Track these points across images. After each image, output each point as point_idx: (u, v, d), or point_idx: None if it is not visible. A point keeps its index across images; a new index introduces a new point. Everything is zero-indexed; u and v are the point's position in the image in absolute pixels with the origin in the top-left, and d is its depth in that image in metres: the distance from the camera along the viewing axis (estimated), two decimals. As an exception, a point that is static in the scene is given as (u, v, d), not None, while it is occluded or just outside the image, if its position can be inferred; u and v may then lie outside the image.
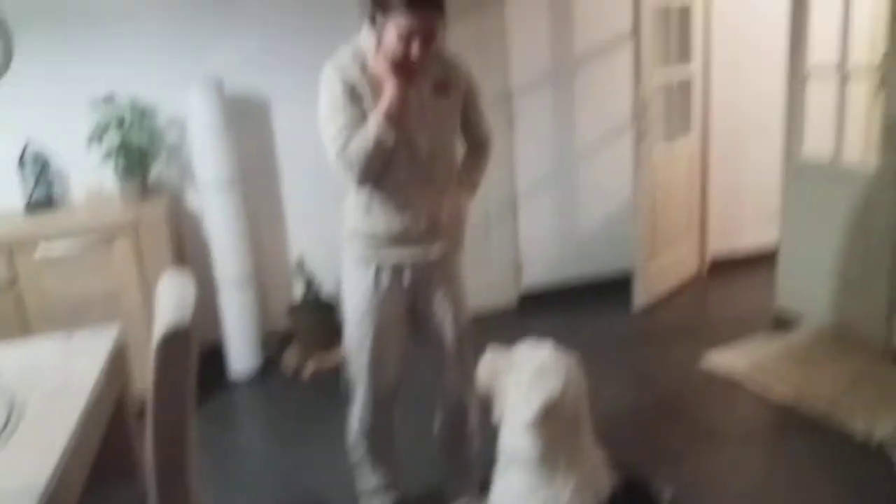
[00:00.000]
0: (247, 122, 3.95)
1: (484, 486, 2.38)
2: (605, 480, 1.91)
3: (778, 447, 2.96)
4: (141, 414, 2.33)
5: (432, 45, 2.10)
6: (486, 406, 2.07)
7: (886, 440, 2.58)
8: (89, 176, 3.72)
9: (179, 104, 3.74)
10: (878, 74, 3.61)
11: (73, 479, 1.64)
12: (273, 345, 4.07)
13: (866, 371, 3.37)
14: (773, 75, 4.21)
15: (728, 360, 3.60)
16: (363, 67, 2.16)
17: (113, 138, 3.60)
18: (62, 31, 3.67)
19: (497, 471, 2.01)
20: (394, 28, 2.04)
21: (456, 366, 2.44)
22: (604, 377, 3.55)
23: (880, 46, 3.64)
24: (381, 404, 2.41)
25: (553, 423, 1.85)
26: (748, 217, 4.94)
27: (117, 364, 2.17)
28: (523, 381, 1.89)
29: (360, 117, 2.14)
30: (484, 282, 4.47)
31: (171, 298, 1.84)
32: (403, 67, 2.06)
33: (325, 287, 3.94)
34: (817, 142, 3.87)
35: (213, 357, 3.78)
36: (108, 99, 3.63)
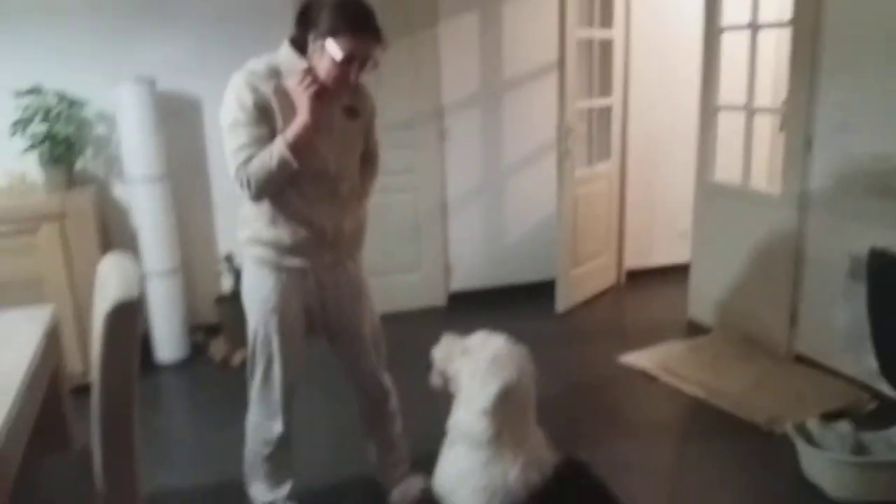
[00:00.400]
0: (179, 119, 3.97)
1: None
2: (548, 458, 2.03)
3: (689, 435, 3.16)
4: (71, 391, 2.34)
5: (366, 70, 2.15)
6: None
7: (790, 428, 2.80)
8: (10, 164, 3.63)
9: (109, 99, 3.72)
10: (780, 115, 3.94)
11: (11, 451, 1.63)
12: (200, 336, 4.08)
13: (770, 371, 3.63)
14: (686, 110, 4.58)
15: (643, 359, 3.82)
16: (276, 85, 2.14)
17: (38, 127, 3.54)
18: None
19: (445, 445, 2.10)
20: (335, 51, 2.06)
21: (374, 354, 2.54)
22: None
23: (783, 89, 3.97)
24: (292, 392, 2.44)
25: (505, 408, 1.96)
26: (661, 235, 5.26)
27: (51, 342, 2.16)
28: (480, 368, 1.99)
29: (267, 136, 2.13)
30: (415, 282, 4.64)
31: (117, 276, 1.85)
32: (322, 93, 2.09)
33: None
34: (726, 171, 4.17)
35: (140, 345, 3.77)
36: (35, 90, 3.57)
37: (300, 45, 2.17)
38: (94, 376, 1.78)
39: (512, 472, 1.96)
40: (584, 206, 4.67)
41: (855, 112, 3.33)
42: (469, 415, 1.99)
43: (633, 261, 5.23)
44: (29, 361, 1.89)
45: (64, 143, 3.57)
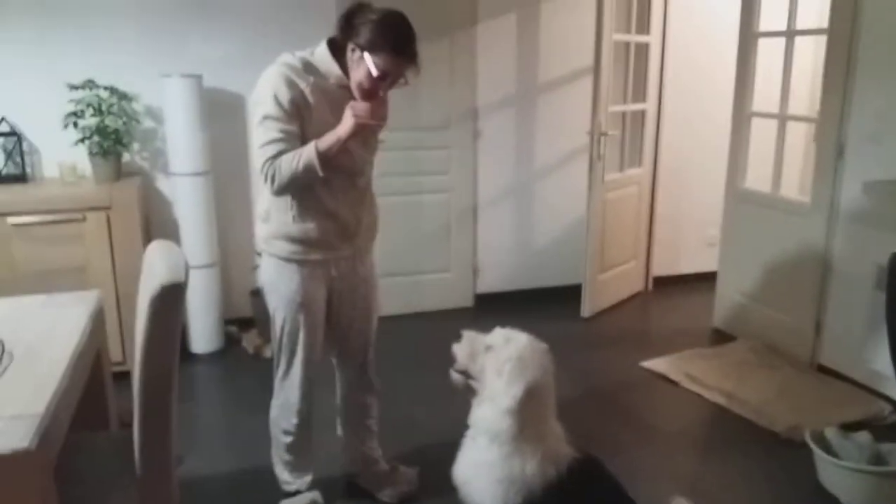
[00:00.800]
0: (223, 115, 4.10)
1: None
2: (565, 454, 2.08)
3: (708, 441, 3.19)
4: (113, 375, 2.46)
5: (395, 87, 2.23)
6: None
7: (808, 437, 2.82)
8: (62, 155, 3.79)
9: (157, 94, 3.87)
10: (815, 126, 3.95)
11: (57, 427, 1.70)
12: (234, 329, 4.21)
13: (792, 381, 3.64)
14: (720, 119, 4.57)
15: (665, 364, 3.85)
16: (314, 82, 2.20)
17: (89, 121, 3.70)
18: (48, 17, 3.80)
19: (467, 438, 2.17)
20: (371, 66, 2.12)
21: (371, 343, 2.63)
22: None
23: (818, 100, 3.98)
24: (311, 383, 2.52)
25: (528, 406, 2.02)
26: (690, 243, 5.29)
27: (97, 324, 2.27)
28: (504, 367, 2.04)
29: (297, 131, 2.19)
30: (444, 283, 4.72)
31: (164, 260, 1.95)
32: (373, 115, 2.16)
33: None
34: (759, 180, 4.19)
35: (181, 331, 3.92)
36: (87, 84, 3.73)
37: (337, 48, 2.24)
38: (136, 358, 1.85)
39: (529, 466, 2.02)
40: (614, 212, 4.71)
41: (888, 122, 3.33)
42: (493, 412, 2.04)
43: (661, 268, 5.25)
44: (76, 342, 1.97)
45: (113, 136, 3.72)
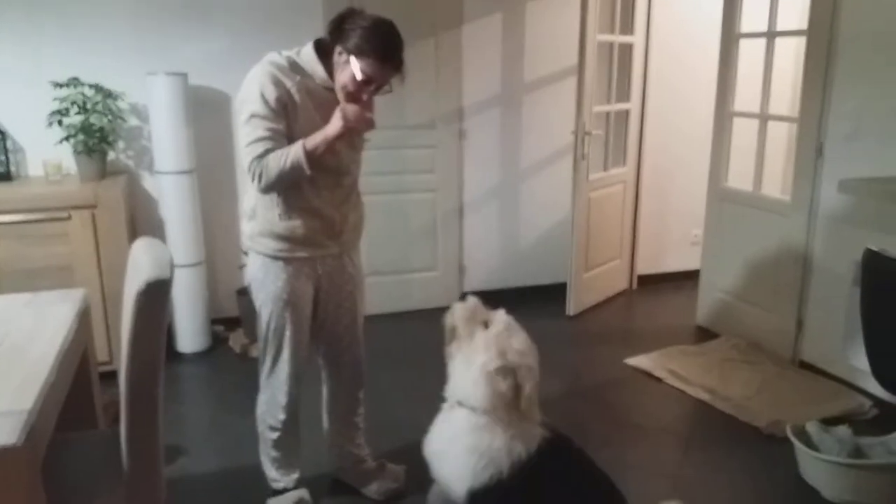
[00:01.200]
0: (208, 114, 4.10)
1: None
2: (536, 435, 2.11)
3: (693, 436, 3.22)
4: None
5: (379, 93, 2.26)
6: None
7: (789, 431, 2.86)
8: (46, 153, 3.78)
9: (143, 92, 3.86)
10: (795, 127, 3.99)
11: (43, 425, 1.70)
12: (221, 328, 4.22)
13: (774, 377, 3.70)
14: (703, 119, 4.63)
15: (650, 361, 3.90)
16: (299, 81, 2.23)
17: (74, 119, 3.69)
18: (33, 15, 3.78)
19: (442, 410, 2.21)
20: (356, 70, 2.16)
21: (359, 340, 2.65)
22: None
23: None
24: (298, 380, 2.54)
25: (506, 385, 2.07)
26: (674, 242, 5.35)
27: (83, 322, 2.27)
28: (494, 343, 2.09)
29: (284, 130, 2.22)
30: (430, 281, 4.74)
31: (149, 257, 1.96)
32: (362, 120, 2.19)
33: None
34: (742, 180, 4.23)
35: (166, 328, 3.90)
36: (72, 82, 3.71)
37: (324, 50, 2.27)
38: (123, 355, 1.85)
39: (499, 442, 2.05)
40: (598, 211, 4.75)
41: (867, 120, 3.39)
42: (470, 378, 2.09)
43: (646, 266, 5.30)
44: (62, 339, 1.98)
45: (98, 134, 3.71)
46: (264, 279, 2.41)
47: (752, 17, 4.09)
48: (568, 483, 2.12)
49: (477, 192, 4.80)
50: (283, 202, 2.32)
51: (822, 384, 3.61)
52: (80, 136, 3.66)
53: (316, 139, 2.20)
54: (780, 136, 4.81)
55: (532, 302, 4.84)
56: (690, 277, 4.86)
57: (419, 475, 2.70)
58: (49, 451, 1.70)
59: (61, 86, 3.68)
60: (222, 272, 4.30)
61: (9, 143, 3.76)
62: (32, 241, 3.39)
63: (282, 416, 2.53)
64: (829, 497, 2.70)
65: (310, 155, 2.19)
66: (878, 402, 3.38)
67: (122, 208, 3.57)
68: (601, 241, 4.85)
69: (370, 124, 2.24)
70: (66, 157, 3.76)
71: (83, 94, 3.71)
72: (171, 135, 3.79)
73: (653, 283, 5.28)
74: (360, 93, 2.22)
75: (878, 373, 2.45)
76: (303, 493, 2.61)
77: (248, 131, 2.21)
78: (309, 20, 3.96)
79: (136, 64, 3.90)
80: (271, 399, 2.53)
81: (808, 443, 2.84)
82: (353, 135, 2.29)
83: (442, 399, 2.24)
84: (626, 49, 4.81)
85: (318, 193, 2.34)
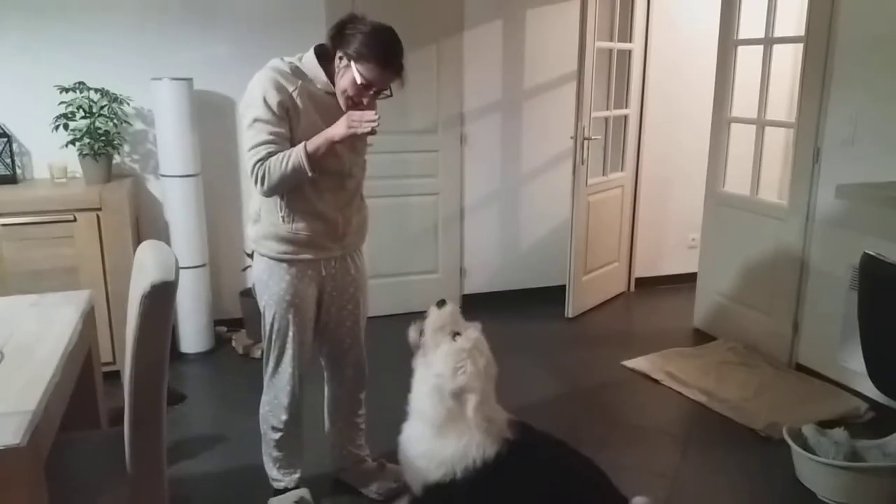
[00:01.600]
0: (213, 118, 4.14)
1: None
2: (495, 441, 2.13)
3: (690, 438, 3.25)
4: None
5: (379, 97, 2.30)
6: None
7: (785, 433, 2.89)
8: (52, 157, 3.83)
9: (148, 97, 3.91)
10: (792, 132, 4.01)
11: (47, 425, 1.71)
12: (225, 328, 4.26)
13: (771, 379, 3.72)
14: (701, 124, 4.67)
15: (648, 363, 3.93)
16: (301, 86, 2.27)
17: (80, 123, 3.73)
18: (38, 20, 3.82)
19: (408, 419, 2.28)
20: (356, 75, 2.20)
21: (361, 342, 2.69)
22: (535, 372, 3.87)
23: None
24: (301, 381, 2.57)
25: (465, 396, 2.11)
26: (672, 245, 5.39)
27: (88, 323, 2.30)
28: (458, 361, 2.11)
29: (286, 134, 2.25)
30: (431, 284, 4.77)
31: (155, 259, 1.99)
32: (364, 119, 2.21)
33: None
34: (740, 185, 4.27)
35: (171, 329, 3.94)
36: (78, 86, 3.76)
37: (325, 55, 2.31)
38: (127, 356, 1.88)
39: (449, 448, 2.10)
40: (597, 215, 4.79)
41: (864, 126, 3.42)
42: (424, 392, 2.14)
43: (644, 269, 5.34)
44: (67, 340, 2.00)
45: (104, 137, 3.75)
46: (268, 281, 2.44)
47: (750, 23, 4.13)
48: (533, 485, 2.13)
49: (478, 196, 4.84)
50: (287, 205, 2.36)
51: (818, 387, 3.64)
52: (86, 140, 3.70)
53: (317, 141, 2.23)
54: (778, 142, 4.85)
55: (531, 304, 4.90)
56: (688, 280, 4.90)
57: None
58: (53, 451, 1.71)
59: (67, 90, 3.73)
60: (226, 274, 4.34)
61: (15, 146, 3.81)
62: (38, 243, 3.43)
63: (284, 417, 2.56)
64: (825, 498, 2.73)
65: (311, 156, 2.22)
66: (874, 404, 3.40)
67: (127, 211, 3.61)
68: (600, 244, 4.89)
69: (371, 125, 2.24)
70: (71, 160, 3.81)
71: (89, 99, 3.76)
72: (176, 139, 3.83)
73: (650, 286, 5.32)
74: (361, 97, 2.26)
75: (875, 376, 2.47)
76: (304, 492, 2.64)
77: (251, 135, 2.25)
78: (312, 26, 4.00)
79: (141, 69, 3.95)
80: (274, 400, 2.56)
81: (805, 445, 2.86)
82: (355, 138, 2.32)
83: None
84: (625, 56, 4.85)
85: (321, 196, 2.38)
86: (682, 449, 3.16)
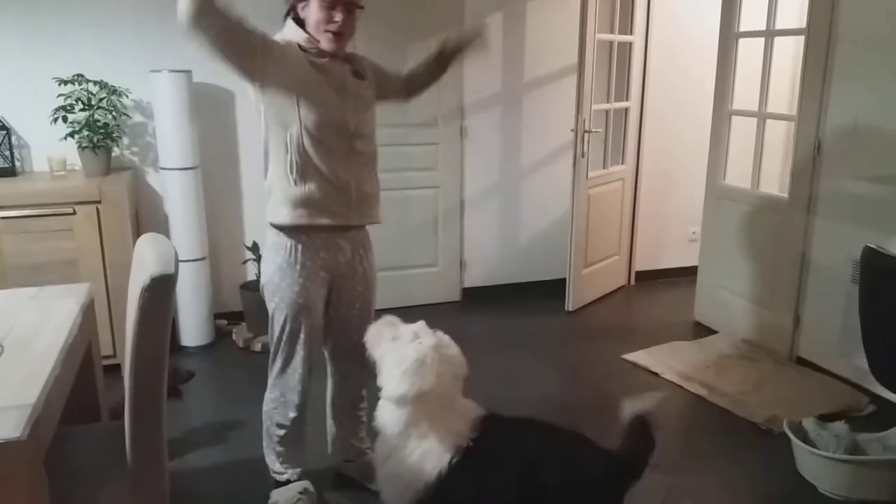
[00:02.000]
0: (212, 111, 4.13)
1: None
2: (459, 441, 2.04)
3: (690, 431, 3.25)
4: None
5: (354, 15, 2.34)
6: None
7: (786, 427, 2.89)
8: (51, 149, 3.81)
9: (147, 89, 3.90)
10: (793, 125, 4.00)
11: (48, 417, 1.71)
12: (225, 322, 4.26)
13: (771, 373, 3.73)
14: (702, 117, 4.65)
15: (648, 357, 3.93)
16: (288, 43, 2.37)
17: (79, 115, 3.72)
18: (37, 12, 3.80)
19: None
20: (316, 2, 2.30)
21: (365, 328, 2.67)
22: (535, 365, 3.87)
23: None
24: (305, 379, 2.54)
25: (417, 406, 2.04)
26: (673, 238, 5.38)
27: (87, 316, 2.30)
28: (400, 364, 2.04)
29: (256, 44, 2.30)
30: (432, 277, 4.78)
31: (154, 252, 1.99)
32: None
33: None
34: (741, 178, 4.26)
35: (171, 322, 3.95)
36: (77, 78, 3.74)
37: (299, 21, 2.40)
38: (127, 349, 1.88)
39: (407, 462, 2.03)
40: (598, 208, 4.78)
41: (864, 118, 3.41)
42: (384, 404, 2.09)
43: (644, 262, 5.33)
44: (67, 333, 2.00)
45: (103, 130, 3.74)
46: (280, 283, 2.43)
47: (751, 16, 4.11)
48: (499, 484, 2.05)
49: (478, 189, 4.83)
50: (297, 169, 2.34)
51: (819, 380, 3.64)
52: (85, 132, 3.69)
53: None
54: (779, 134, 4.83)
55: (531, 297, 4.90)
56: (688, 274, 4.90)
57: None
58: (53, 445, 1.71)
59: (66, 82, 3.71)
60: (226, 267, 4.34)
61: (14, 139, 3.80)
62: (37, 236, 3.42)
63: (293, 415, 2.56)
64: (826, 491, 2.73)
65: None
66: (874, 398, 3.40)
67: (127, 204, 3.60)
68: (600, 237, 4.88)
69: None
70: (70, 152, 3.80)
71: (87, 91, 3.74)
72: (176, 131, 3.82)
73: (651, 280, 5.32)
74: (331, 17, 2.30)
75: (876, 369, 2.48)
76: (306, 484, 2.64)
77: None
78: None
79: (140, 61, 3.93)
80: (281, 398, 2.55)
81: (805, 438, 2.86)
82: (356, 96, 2.37)
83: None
84: (626, 48, 4.84)
85: (331, 157, 2.36)
86: (682, 442, 3.16)
